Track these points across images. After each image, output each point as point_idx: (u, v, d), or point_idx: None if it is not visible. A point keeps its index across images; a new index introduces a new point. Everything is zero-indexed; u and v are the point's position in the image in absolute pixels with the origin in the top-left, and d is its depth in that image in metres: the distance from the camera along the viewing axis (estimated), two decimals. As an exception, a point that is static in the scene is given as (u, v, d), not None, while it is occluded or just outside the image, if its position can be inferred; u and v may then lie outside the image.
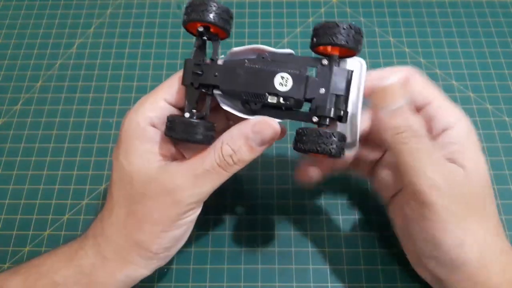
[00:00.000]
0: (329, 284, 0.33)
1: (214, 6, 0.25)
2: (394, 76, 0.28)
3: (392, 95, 0.26)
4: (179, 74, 0.27)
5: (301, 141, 0.25)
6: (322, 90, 0.25)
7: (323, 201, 0.36)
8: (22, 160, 0.38)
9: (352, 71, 0.25)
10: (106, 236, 0.27)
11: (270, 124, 0.25)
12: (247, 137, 0.25)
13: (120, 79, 0.42)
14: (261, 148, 0.26)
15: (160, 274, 0.33)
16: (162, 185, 0.25)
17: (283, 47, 0.44)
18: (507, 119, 0.39)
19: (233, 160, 0.25)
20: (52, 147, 0.39)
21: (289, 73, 0.25)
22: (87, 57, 0.44)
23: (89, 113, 0.41)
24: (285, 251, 0.34)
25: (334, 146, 0.24)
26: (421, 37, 0.44)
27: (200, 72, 0.26)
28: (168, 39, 0.45)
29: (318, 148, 0.24)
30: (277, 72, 0.25)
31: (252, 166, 0.38)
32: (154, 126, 0.27)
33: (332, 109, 0.25)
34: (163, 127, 0.26)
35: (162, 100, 0.27)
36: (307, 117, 0.26)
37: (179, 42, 0.44)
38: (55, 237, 0.35)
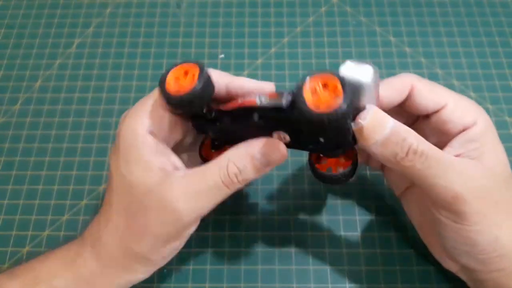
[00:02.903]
0: (330, 285, 0.33)
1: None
2: (391, 91, 0.26)
3: (372, 131, 0.24)
4: None
5: (318, 176, 0.28)
6: (322, 139, 0.25)
7: (324, 202, 0.36)
8: (21, 160, 0.38)
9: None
10: (105, 246, 0.26)
11: (278, 148, 0.25)
12: (254, 157, 0.25)
13: (120, 78, 0.42)
14: (267, 169, 0.26)
15: (160, 275, 0.33)
16: (162, 199, 0.25)
17: (283, 47, 0.43)
18: (508, 119, 0.39)
19: (237, 179, 0.25)
20: (51, 147, 0.39)
21: (285, 132, 0.25)
22: (86, 56, 0.44)
23: (88, 113, 0.41)
24: (285, 251, 0.34)
25: (342, 181, 0.27)
26: (422, 36, 0.44)
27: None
28: (168, 38, 0.44)
29: (332, 182, 0.28)
30: (274, 131, 0.25)
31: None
32: (153, 134, 0.26)
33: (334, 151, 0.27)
34: (162, 134, 0.26)
35: (161, 107, 0.26)
36: (311, 151, 0.28)
37: (178, 42, 0.44)
38: (54, 238, 0.35)
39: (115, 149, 0.27)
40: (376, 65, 0.46)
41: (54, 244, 0.34)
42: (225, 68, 0.42)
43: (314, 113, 0.22)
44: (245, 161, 0.25)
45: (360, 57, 0.42)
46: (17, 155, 0.39)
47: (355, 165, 0.27)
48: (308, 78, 0.22)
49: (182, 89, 0.24)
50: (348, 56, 0.43)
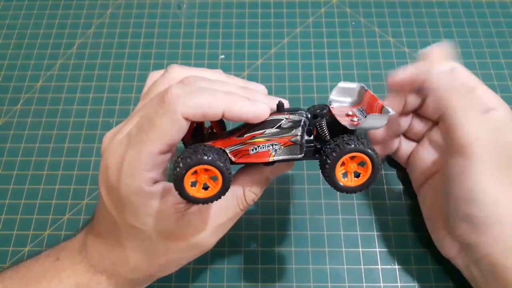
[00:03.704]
0: (329, 284, 0.33)
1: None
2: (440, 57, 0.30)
3: (439, 59, 0.29)
4: (166, 118, 0.23)
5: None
6: None
7: (323, 201, 0.36)
8: (22, 160, 0.39)
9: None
10: (125, 277, 0.28)
11: (290, 165, 0.28)
12: (268, 179, 0.28)
13: (120, 79, 0.42)
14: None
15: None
16: (186, 240, 0.26)
17: (283, 47, 0.44)
18: (507, 119, 0.39)
19: (253, 202, 0.28)
20: (52, 147, 0.39)
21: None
22: (87, 57, 0.44)
23: (89, 113, 0.41)
24: (285, 251, 0.34)
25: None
26: (421, 37, 0.44)
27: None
28: (168, 39, 0.45)
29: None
30: None
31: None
32: (157, 181, 0.25)
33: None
34: (164, 172, 0.25)
35: (158, 154, 0.24)
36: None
37: (179, 42, 0.44)
38: (55, 237, 0.35)
39: (115, 200, 0.25)
40: (375, 65, 0.46)
41: (55, 243, 0.34)
42: (225, 68, 0.42)
43: (345, 187, 0.24)
44: (261, 185, 0.27)
45: (360, 58, 0.43)
46: (18, 155, 0.39)
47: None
48: (341, 158, 0.24)
49: (206, 194, 0.24)
50: (347, 56, 0.43)
